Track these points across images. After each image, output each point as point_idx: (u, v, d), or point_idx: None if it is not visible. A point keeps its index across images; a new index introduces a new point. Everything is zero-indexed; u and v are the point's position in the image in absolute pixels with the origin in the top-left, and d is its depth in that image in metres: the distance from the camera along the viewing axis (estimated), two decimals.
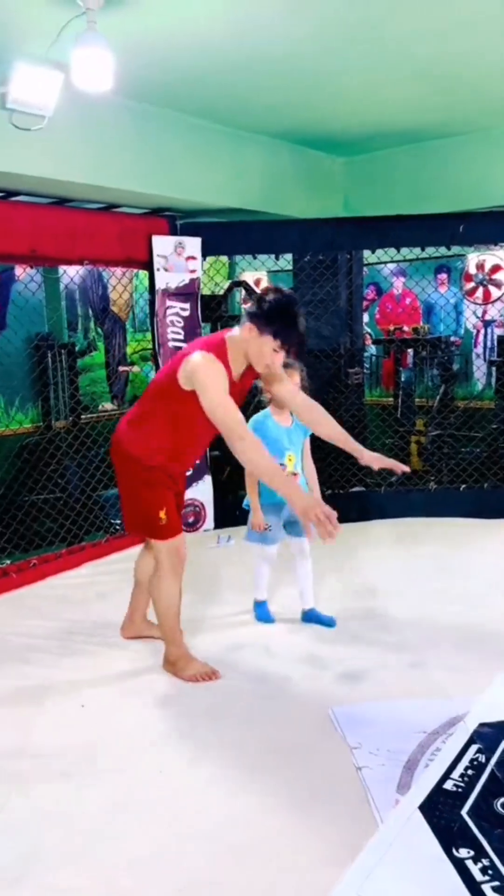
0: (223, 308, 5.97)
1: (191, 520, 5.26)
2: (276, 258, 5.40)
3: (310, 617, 3.67)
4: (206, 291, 5.46)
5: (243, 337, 2.85)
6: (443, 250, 5.47)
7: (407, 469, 3.06)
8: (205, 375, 2.75)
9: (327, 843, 2.09)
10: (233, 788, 2.34)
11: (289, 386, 3.24)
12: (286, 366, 3.72)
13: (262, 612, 3.73)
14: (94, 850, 2.08)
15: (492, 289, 7.48)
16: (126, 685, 3.07)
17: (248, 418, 3.68)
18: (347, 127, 5.01)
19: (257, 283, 8.04)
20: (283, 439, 3.50)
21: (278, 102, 4.50)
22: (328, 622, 3.61)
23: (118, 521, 5.20)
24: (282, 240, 5.30)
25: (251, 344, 2.83)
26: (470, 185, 5.22)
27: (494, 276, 7.38)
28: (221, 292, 6.17)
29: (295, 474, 3.50)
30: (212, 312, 5.51)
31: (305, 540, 3.57)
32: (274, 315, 2.78)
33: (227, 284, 6.60)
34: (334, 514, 2.52)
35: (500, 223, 5.16)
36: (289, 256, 5.61)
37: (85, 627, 3.68)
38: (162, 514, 2.96)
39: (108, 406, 6.94)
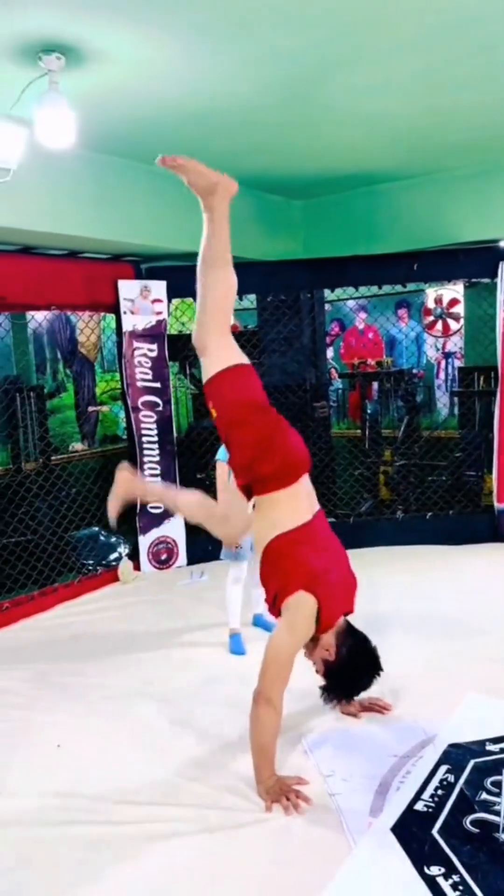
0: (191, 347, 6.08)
1: (164, 557, 5.29)
2: (240, 298, 5.54)
3: (258, 622, 3.99)
4: (173, 331, 5.58)
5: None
6: (401, 286, 5.68)
7: None
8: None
9: (303, 869, 2.13)
10: (212, 822, 2.37)
11: None
12: None
13: (235, 645, 3.77)
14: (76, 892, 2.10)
15: (450, 322, 7.72)
16: (103, 725, 3.09)
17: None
18: (302, 172, 5.22)
19: None
20: None
21: (233, 150, 4.68)
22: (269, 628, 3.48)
23: (90, 562, 5.20)
24: (245, 281, 5.42)
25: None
26: (420, 226, 5.44)
27: (452, 310, 7.64)
28: (189, 332, 6.29)
29: None
30: (179, 352, 5.63)
31: None
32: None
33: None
34: (300, 788, 2.46)
35: (450, 261, 5.39)
36: (252, 296, 5.78)
37: (59, 668, 3.68)
38: None
39: (79, 446, 6.96)
